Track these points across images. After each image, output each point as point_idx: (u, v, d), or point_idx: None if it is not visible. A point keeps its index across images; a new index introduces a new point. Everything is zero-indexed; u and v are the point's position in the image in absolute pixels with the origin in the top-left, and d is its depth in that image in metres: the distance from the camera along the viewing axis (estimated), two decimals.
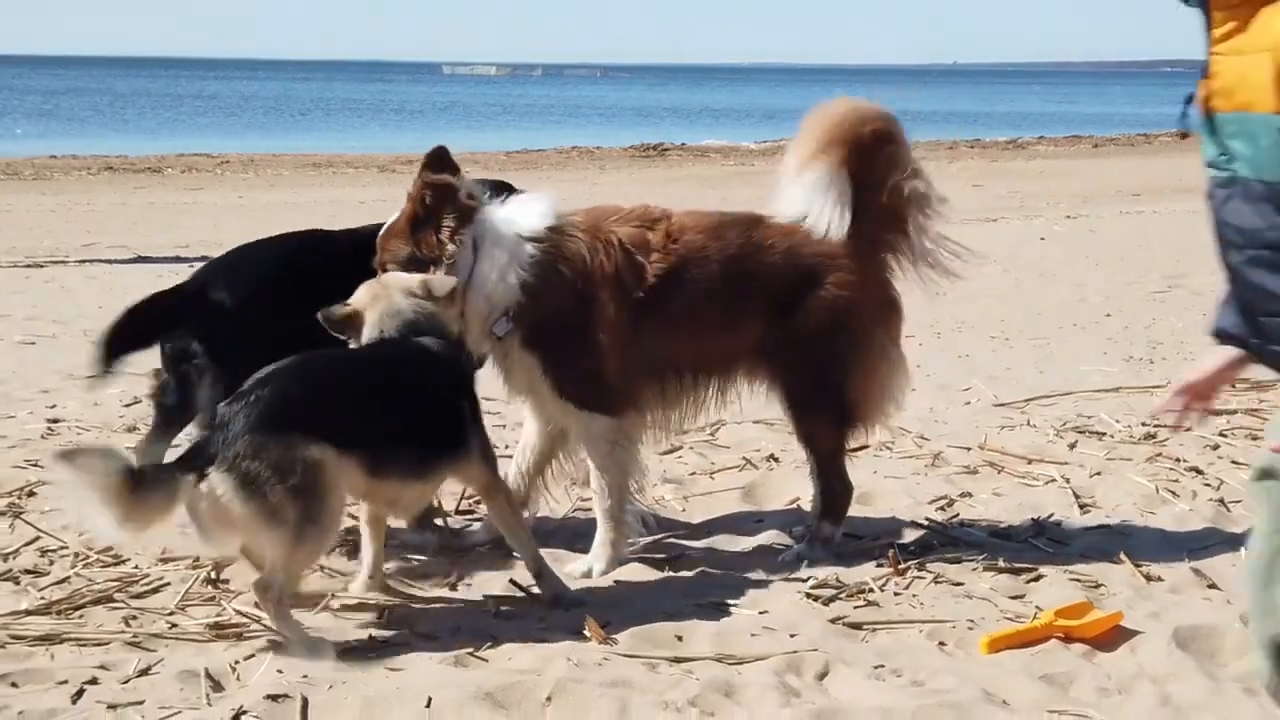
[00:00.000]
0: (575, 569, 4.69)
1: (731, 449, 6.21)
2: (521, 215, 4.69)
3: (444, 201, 4.59)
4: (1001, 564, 4.69)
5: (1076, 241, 14.88)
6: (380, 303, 4.31)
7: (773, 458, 6.04)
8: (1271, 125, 2.60)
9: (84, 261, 13.03)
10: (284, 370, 4.07)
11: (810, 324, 4.76)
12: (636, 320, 4.66)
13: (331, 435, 3.97)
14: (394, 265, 4.60)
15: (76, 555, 4.70)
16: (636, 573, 4.69)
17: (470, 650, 4.00)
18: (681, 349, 4.76)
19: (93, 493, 3.68)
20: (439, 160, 4.69)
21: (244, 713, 3.56)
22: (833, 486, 4.93)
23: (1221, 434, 6.33)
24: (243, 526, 3.90)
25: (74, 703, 3.61)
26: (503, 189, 5.20)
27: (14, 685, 3.71)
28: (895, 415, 5.07)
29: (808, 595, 4.44)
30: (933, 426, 6.62)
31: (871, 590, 4.48)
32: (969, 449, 6.17)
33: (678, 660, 3.97)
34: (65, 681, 3.72)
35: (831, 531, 4.88)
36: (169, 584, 4.39)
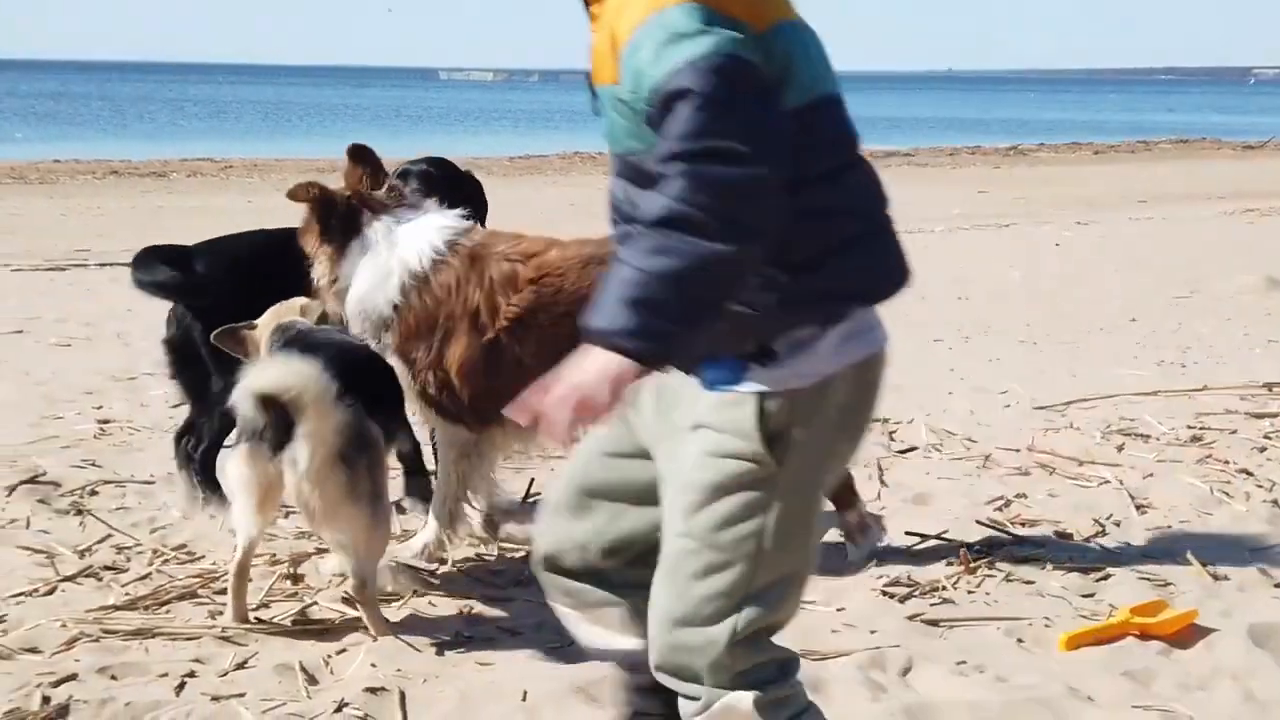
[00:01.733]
0: (402, 553, 4.71)
1: None
2: (409, 238, 4.67)
3: (323, 212, 4.69)
4: (1070, 563, 4.74)
5: (1091, 247, 14.96)
6: (270, 325, 4.42)
7: None
8: (611, 95, 2.55)
9: (104, 265, 13.02)
10: (319, 348, 4.17)
11: None
12: (492, 357, 4.64)
13: (371, 413, 4.11)
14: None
15: (154, 552, 4.75)
16: None
17: (557, 645, 4.04)
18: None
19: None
20: (358, 155, 4.79)
21: (345, 705, 3.60)
22: None
23: (1267, 437, 6.41)
24: (326, 503, 3.95)
25: (177, 694, 3.66)
26: (440, 171, 5.27)
27: (114, 678, 3.76)
28: None
29: (883, 593, 4.49)
30: (977, 429, 6.67)
31: (945, 588, 4.53)
32: (1018, 450, 6.22)
33: None
34: (165, 674, 3.77)
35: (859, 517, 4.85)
36: (250, 580, 4.42)
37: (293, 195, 4.71)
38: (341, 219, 4.67)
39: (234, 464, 4.04)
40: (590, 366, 2.39)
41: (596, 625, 2.91)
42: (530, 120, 58.95)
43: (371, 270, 4.64)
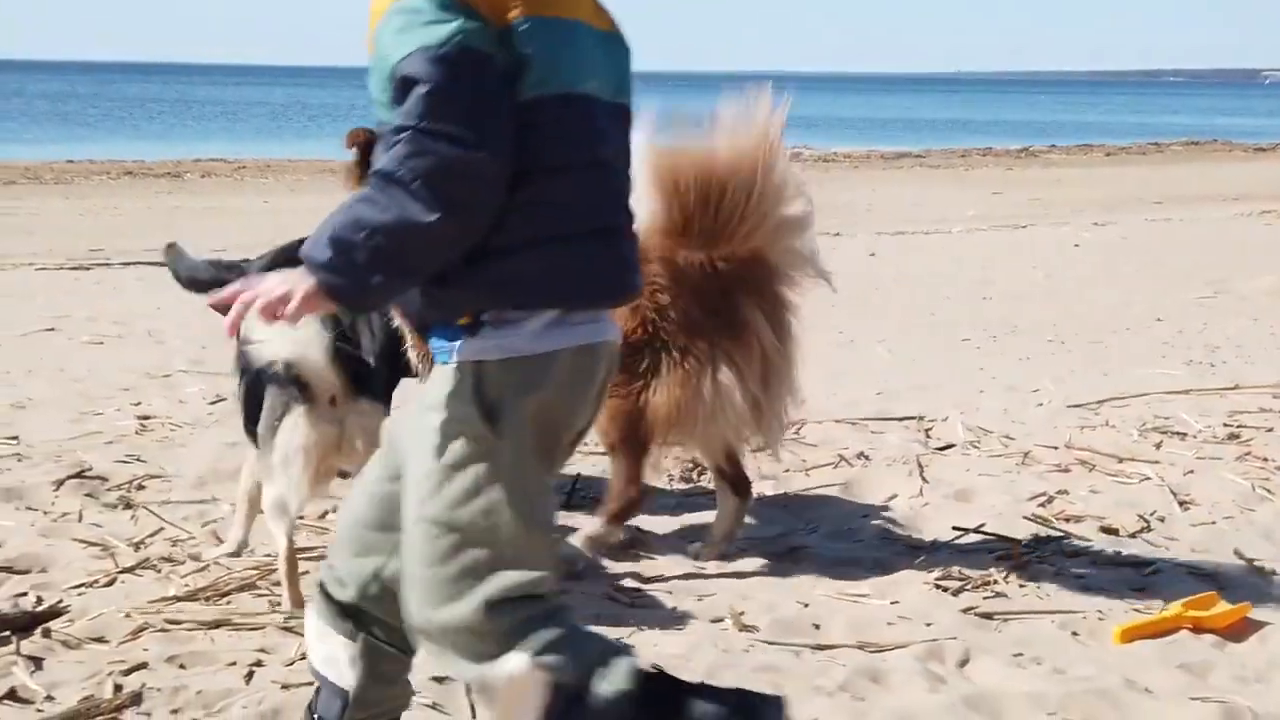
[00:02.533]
0: None
1: (819, 447, 6.28)
2: None
3: (366, 155, 4.67)
4: (1118, 558, 4.77)
5: (1110, 248, 14.98)
6: None
7: (863, 455, 6.13)
8: (370, 68, 2.65)
9: (128, 264, 13.07)
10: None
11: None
12: None
13: None
14: None
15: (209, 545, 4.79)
16: (760, 566, 4.76)
17: (616, 638, 4.06)
18: None
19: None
20: None
21: (413, 694, 3.62)
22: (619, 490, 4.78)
23: None
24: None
25: (247, 683, 3.69)
26: None
27: (182, 667, 3.80)
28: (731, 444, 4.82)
29: (936, 586, 4.51)
30: (1012, 426, 6.69)
31: (996, 582, 4.56)
32: (1056, 448, 6.25)
33: (820, 647, 4.05)
34: (234, 663, 3.81)
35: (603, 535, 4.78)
36: (306, 572, 4.45)
37: (347, 144, 4.81)
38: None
39: (291, 429, 4.09)
40: (287, 275, 2.57)
41: (336, 652, 2.95)
42: None
43: None
